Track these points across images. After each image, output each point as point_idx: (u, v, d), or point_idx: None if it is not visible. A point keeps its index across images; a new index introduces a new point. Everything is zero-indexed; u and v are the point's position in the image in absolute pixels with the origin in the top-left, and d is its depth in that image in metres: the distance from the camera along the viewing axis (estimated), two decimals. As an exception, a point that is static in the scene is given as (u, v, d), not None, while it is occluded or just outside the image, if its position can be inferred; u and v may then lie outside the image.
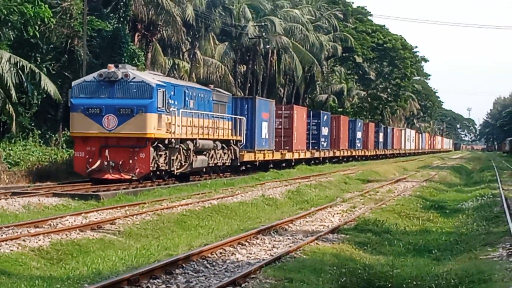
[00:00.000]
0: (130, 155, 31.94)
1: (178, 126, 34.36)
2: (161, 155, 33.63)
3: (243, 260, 17.73)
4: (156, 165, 33.21)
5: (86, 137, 32.16)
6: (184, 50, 71.35)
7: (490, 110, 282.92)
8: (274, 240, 21.03)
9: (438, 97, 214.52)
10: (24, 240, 18.39)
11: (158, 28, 64.43)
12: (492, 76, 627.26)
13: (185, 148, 36.10)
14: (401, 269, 17.04)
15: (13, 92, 40.95)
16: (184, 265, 16.25)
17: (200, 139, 37.60)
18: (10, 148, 38.89)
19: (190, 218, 25.33)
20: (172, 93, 34.64)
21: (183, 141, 35.69)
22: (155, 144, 32.82)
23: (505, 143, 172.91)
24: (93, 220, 22.53)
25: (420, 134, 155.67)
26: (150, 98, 31.65)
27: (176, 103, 34.55)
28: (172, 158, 34.58)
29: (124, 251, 18.87)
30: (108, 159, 31.72)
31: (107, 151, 31.79)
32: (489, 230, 24.13)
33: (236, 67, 78.68)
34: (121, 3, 55.75)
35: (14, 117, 41.67)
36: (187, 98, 36.62)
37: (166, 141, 33.86)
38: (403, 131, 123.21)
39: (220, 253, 18.27)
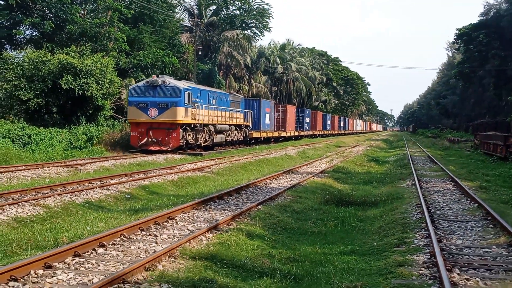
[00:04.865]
0: (166, 134, 28.03)
1: (202, 115, 30.11)
2: (189, 134, 29.48)
3: (275, 186, 17.68)
4: (185, 141, 29.11)
5: (138, 122, 28.23)
6: (245, 79, 71.26)
7: (402, 109, 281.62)
8: (291, 176, 20.97)
9: (375, 103, 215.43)
10: (164, 176, 18.52)
11: (232, 68, 64.51)
12: (405, 91, 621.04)
13: (208, 130, 31.84)
14: (356, 192, 16.98)
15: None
16: (245, 189, 16.23)
17: (219, 124, 33.15)
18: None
19: (248, 165, 25.30)
20: (199, 94, 30.45)
21: (206, 125, 31.33)
22: (183, 127, 28.65)
23: (409, 127, 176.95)
24: (199, 166, 22.53)
25: (364, 122, 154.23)
26: (179, 97, 27.83)
27: (202, 101, 30.66)
28: (197, 136, 30.26)
29: (215, 182, 18.89)
30: (152, 137, 28.02)
31: (151, 131, 28.03)
32: (402, 172, 23.93)
33: (271, 88, 78.48)
34: (213, 55, 55.92)
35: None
36: (210, 98, 32.37)
37: (192, 125, 29.54)
38: (354, 120, 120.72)
39: (264, 183, 18.21)
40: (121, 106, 39.66)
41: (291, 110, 54.45)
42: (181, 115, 28.02)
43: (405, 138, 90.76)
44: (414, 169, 23.80)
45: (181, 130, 28.33)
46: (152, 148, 28.01)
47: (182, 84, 29.04)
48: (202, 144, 31.47)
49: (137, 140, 28.24)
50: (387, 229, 11.27)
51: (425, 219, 11.27)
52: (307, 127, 64.48)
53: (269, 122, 46.24)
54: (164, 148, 28.01)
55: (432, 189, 17.54)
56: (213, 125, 32.34)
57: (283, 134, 51.34)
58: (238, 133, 38.30)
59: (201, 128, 30.65)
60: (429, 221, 10.92)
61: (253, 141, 43.74)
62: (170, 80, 28.94)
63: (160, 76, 29.51)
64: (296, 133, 58.17)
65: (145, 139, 27.97)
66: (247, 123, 40.34)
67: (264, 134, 44.95)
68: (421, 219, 11.61)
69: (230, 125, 35.90)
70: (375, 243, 10.24)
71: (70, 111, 33.98)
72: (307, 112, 65.27)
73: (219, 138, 33.53)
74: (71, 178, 17.75)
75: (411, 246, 9.48)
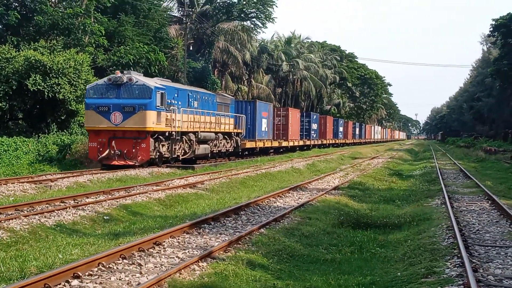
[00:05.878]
0: (133, 145, 26.09)
1: (179, 121, 28.22)
2: (163, 145, 27.54)
3: (281, 206, 17.68)
4: (158, 153, 27.24)
5: (98, 130, 26.19)
6: (244, 79, 71.36)
7: (429, 114, 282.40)
8: (299, 194, 20.98)
9: (397, 107, 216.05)
10: (149, 194, 18.50)
11: (228, 66, 64.73)
12: (432, 93, 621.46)
13: (188, 139, 29.76)
14: (376, 212, 17.02)
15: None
16: (245, 209, 16.21)
17: (202, 131, 31.00)
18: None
19: (248, 180, 25.33)
20: (176, 95, 28.53)
21: (184, 133, 29.27)
22: (155, 136, 26.73)
23: (437, 135, 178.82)
24: (191, 182, 22.55)
25: (384, 129, 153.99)
26: (149, 98, 25.88)
27: (180, 103, 28.69)
28: (174, 147, 28.36)
29: (209, 200, 18.89)
30: (115, 149, 26.03)
31: (114, 142, 26.06)
32: (429, 188, 23.95)
33: (275, 89, 78.63)
34: (207, 51, 56.19)
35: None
36: (190, 100, 30.27)
37: (167, 133, 27.56)
38: (372, 127, 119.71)
39: (267, 202, 18.21)
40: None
41: (294, 115, 52.36)
42: (152, 120, 26.24)
43: (432, 147, 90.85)
44: (443, 185, 23.80)
45: (152, 140, 26.62)
46: (115, 162, 26.27)
47: (153, 82, 27.32)
48: (181, 157, 29.87)
49: (96, 153, 26.45)
50: (412, 257, 11.25)
51: (458, 244, 11.25)
52: (315, 135, 62.50)
53: (266, 129, 43.89)
54: (131, 163, 26.24)
55: (465, 209, 17.53)
56: (194, 133, 30.49)
57: (284, 143, 49.14)
58: (228, 142, 36.33)
59: (179, 137, 28.94)
60: (462, 246, 10.89)
61: (246, 152, 41.50)
62: (138, 77, 27.11)
63: (125, 72, 27.65)
64: (301, 143, 56.30)
65: (107, 151, 26.18)
66: (239, 131, 38.07)
67: (260, 144, 42.50)
68: (453, 244, 11.59)
69: (216, 132, 33.93)
70: (398, 273, 10.22)
71: (39, 117, 34.05)
72: (314, 117, 62.90)
73: (202, 149, 31.63)
74: (39, 196, 17.73)
75: (442, 276, 9.45)
